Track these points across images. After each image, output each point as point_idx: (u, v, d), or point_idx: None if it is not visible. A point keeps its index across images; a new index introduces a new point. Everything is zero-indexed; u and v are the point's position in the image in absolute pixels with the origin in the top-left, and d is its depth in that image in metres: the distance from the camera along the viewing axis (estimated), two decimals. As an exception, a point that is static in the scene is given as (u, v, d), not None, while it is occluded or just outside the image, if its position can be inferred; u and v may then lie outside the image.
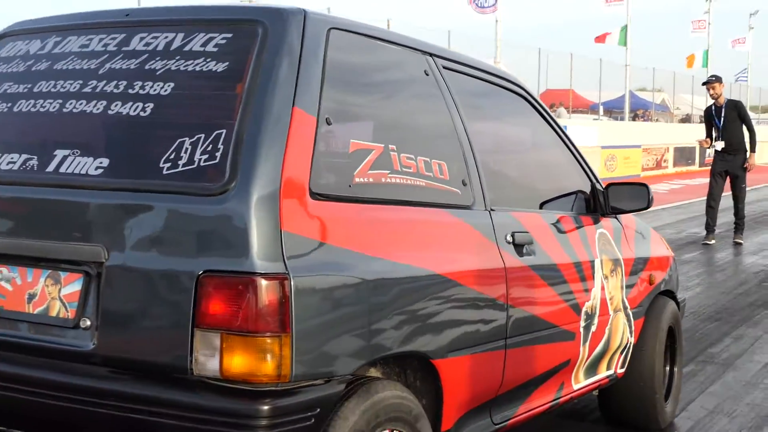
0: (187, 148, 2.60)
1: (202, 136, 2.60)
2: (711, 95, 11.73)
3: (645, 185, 4.20)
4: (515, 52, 34.15)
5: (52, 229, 2.71)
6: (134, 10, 3.22)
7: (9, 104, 3.05)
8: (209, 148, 2.57)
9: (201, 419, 2.41)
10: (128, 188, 2.64)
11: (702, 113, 12.67)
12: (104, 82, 2.89)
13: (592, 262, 3.98)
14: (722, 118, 11.49)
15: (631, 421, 4.63)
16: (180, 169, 2.58)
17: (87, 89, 2.91)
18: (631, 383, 4.48)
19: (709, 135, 11.82)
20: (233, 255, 2.44)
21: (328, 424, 2.54)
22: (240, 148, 2.53)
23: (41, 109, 2.95)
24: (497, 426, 3.39)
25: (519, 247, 3.45)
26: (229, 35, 2.82)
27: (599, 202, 4.12)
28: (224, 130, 2.59)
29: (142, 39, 2.95)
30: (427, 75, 3.31)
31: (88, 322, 2.60)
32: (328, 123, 2.76)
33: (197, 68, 2.78)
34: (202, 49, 2.82)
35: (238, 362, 2.41)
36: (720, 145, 11.50)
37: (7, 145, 2.94)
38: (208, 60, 2.78)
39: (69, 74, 2.99)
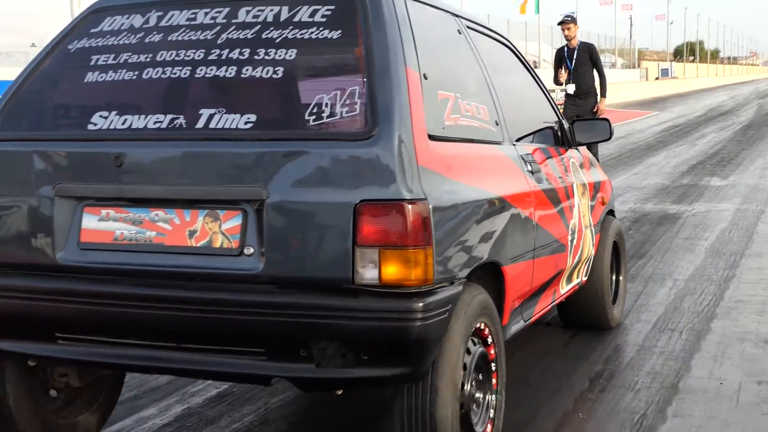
0: (327, 103, 3.14)
1: (338, 92, 3.15)
2: (565, 36, 11.48)
3: (606, 119, 5.16)
4: None
5: (206, 176, 3.19)
6: None
7: (136, 72, 3.45)
8: (347, 102, 3.13)
9: (367, 317, 2.99)
10: (280, 138, 3.17)
11: (552, 55, 12.36)
12: (227, 50, 3.36)
13: (573, 185, 4.84)
14: (573, 61, 11.30)
15: (588, 323, 5.64)
16: (325, 120, 3.13)
17: (212, 56, 3.37)
18: (587, 290, 5.44)
19: (556, 79, 11.61)
20: (384, 186, 3.01)
21: (450, 317, 3.17)
22: (375, 101, 3.09)
23: (172, 76, 3.39)
24: (524, 324, 4.21)
25: (533, 174, 4.24)
26: (332, 7, 3.34)
27: (566, 135, 4.97)
28: (357, 87, 3.14)
29: (248, 12, 3.44)
30: (459, 33, 4.05)
31: (252, 250, 3.11)
32: (425, 78, 3.35)
33: (313, 36, 3.30)
34: (311, 19, 3.34)
35: (393, 271, 3.00)
36: (571, 88, 11.34)
37: (148, 107, 3.38)
38: (321, 29, 3.31)
39: (188, 44, 3.43)
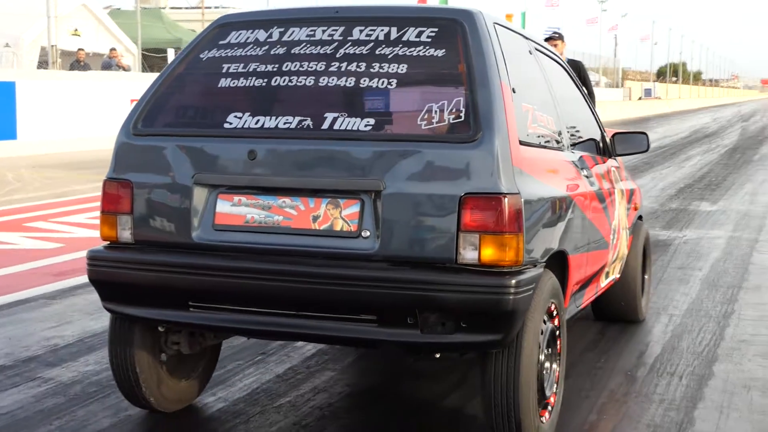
0: (436, 111, 3.72)
1: (446, 102, 3.72)
2: None
3: (645, 133, 5.65)
4: None
5: (329, 169, 3.75)
6: (342, 8, 4.20)
7: (265, 79, 4.01)
8: (453, 110, 3.70)
9: (467, 291, 3.54)
10: (396, 139, 3.76)
11: None
12: (345, 63, 3.93)
13: (615, 190, 5.47)
14: None
15: (619, 316, 6.24)
16: (435, 125, 3.71)
17: (332, 68, 3.93)
18: (621, 285, 6.04)
19: None
20: (485, 182, 3.59)
21: (533, 294, 3.73)
22: (477, 110, 3.67)
23: (298, 84, 3.95)
24: (576, 310, 4.88)
25: (587, 178, 4.86)
26: (436, 29, 3.93)
27: (607, 146, 5.52)
28: (461, 98, 3.71)
29: (361, 31, 4.01)
30: (530, 54, 4.69)
31: (368, 233, 3.68)
32: (514, 91, 3.94)
33: (421, 53, 3.89)
34: (417, 39, 3.92)
35: (491, 253, 3.58)
36: None
37: (278, 110, 3.93)
38: (427, 47, 3.89)
39: (310, 57, 4.00)
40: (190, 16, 35.38)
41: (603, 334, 6.03)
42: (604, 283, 5.44)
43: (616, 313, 6.22)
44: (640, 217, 6.46)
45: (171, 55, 30.62)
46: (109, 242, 4.10)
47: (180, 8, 39.01)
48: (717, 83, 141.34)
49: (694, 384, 5.03)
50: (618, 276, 5.87)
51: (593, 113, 5.67)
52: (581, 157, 4.94)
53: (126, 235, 4.03)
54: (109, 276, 4.02)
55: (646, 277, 6.50)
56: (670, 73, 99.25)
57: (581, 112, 5.45)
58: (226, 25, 4.30)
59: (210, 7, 34.59)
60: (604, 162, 5.41)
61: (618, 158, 5.80)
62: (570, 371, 5.19)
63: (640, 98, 71.77)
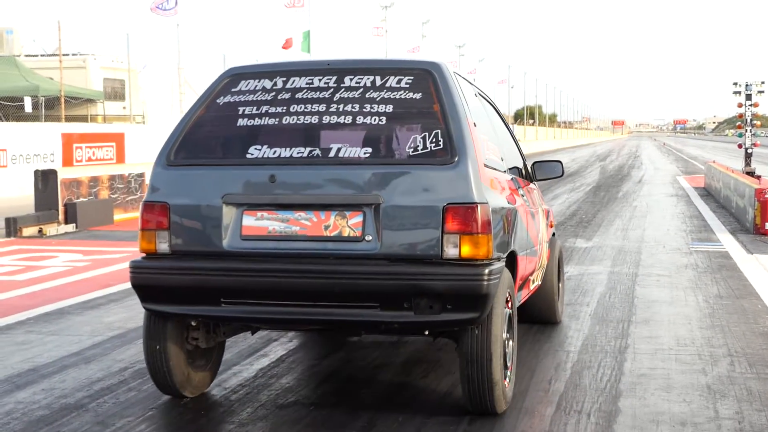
0: (420, 141, 4.77)
1: (426, 134, 4.79)
2: None
3: (559, 161, 6.91)
4: (200, 58, 33.64)
5: (337, 188, 4.76)
6: (332, 61, 5.27)
7: (276, 119, 5.02)
8: (434, 140, 4.76)
9: (452, 279, 4.59)
10: (390, 163, 4.79)
11: None
12: (342, 105, 4.97)
13: (539, 209, 6.69)
14: None
15: (540, 318, 7.27)
16: (420, 152, 4.76)
17: (332, 109, 4.97)
18: (542, 291, 7.04)
19: None
20: (462, 194, 4.65)
21: (499, 282, 4.76)
22: (452, 140, 4.74)
23: (305, 122, 4.98)
24: (517, 304, 5.64)
25: (523, 196, 6.00)
26: (412, 77, 5.01)
27: (529, 172, 6.72)
28: (439, 130, 4.78)
29: (351, 79, 5.07)
30: (476, 96, 5.79)
31: (370, 237, 4.69)
32: (475, 125, 5.03)
33: (402, 96, 4.95)
34: (398, 85, 4.99)
35: (468, 249, 4.64)
36: None
37: (291, 143, 4.91)
38: (406, 92, 4.96)
39: (312, 100, 5.04)
40: (47, 63, 34.29)
41: (504, 374, 5.91)
42: (531, 287, 6.46)
43: (538, 316, 7.24)
44: (553, 234, 7.62)
45: (28, 103, 29.53)
46: (146, 254, 5.04)
47: (36, 56, 37.77)
48: (571, 125, 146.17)
49: (603, 422, 4.96)
50: (540, 283, 6.86)
51: (516, 144, 6.81)
52: (515, 178, 6.07)
53: (164, 247, 4.98)
54: (151, 281, 4.96)
55: (560, 284, 7.52)
56: (527, 115, 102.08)
57: (509, 143, 6.49)
58: (235, 76, 5.29)
59: (68, 54, 33.61)
60: (527, 185, 6.53)
61: (535, 183, 6.96)
62: (478, 415, 5.06)
63: (500, 140, 73.29)
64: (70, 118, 28.59)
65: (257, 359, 6.37)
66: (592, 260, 11.04)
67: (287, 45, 35.21)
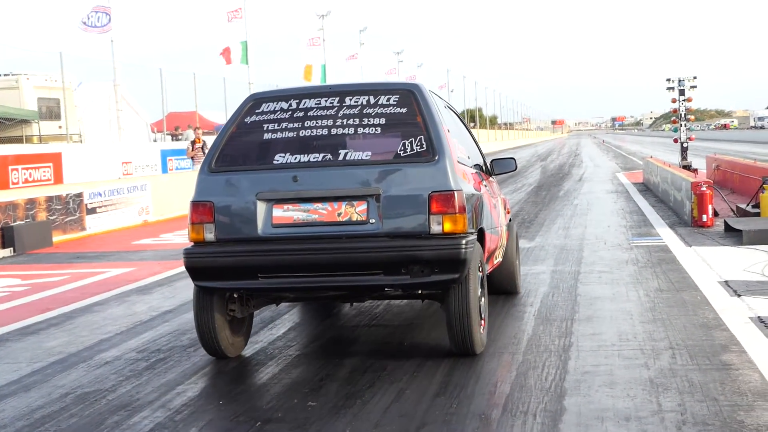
0: (407, 144, 6.20)
1: (413, 139, 6.22)
2: None
3: (513, 158, 8.30)
4: (136, 74, 33.23)
5: (346, 184, 6.15)
6: (334, 86, 6.80)
7: (294, 132, 6.42)
8: (418, 144, 6.19)
9: (438, 249, 5.99)
10: (387, 162, 6.21)
11: None
12: (345, 119, 6.42)
13: (498, 197, 8.19)
14: None
15: (505, 289, 8.66)
16: (408, 153, 6.18)
17: (338, 123, 6.41)
18: (504, 266, 8.45)
19: None
20: (443, 184, 6.08)
21: (474, 250, 6.21)
22: (433, 143, 6.17)
23: (317, 133, 6.39)
24: (485, 274, 6.93)
25: (485, 186, 7.40)
26: (398, 96, 6.46)
27: (488, 167, 8.07)
28: (422, 136, 6.21)
29: (351, 99, 6.50)
30: (445, 107, 7.27)
31: (374, 220, 6.11)
32: (449, 131, 6.50)
33: (391, 111, 6.40)
34: (387, 102, 6.43)
35: (449, 226, 6.04)
36: None
37: (307, 150, 6.33)
38: (394, 107, 6.41)
39: (322, 117, 6.45)
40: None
41: (449, 378, 5.92)
42: (495, 262, 7.83)
43: (501, 287, 8.59)
44: (510, 219, 8.94)
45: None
46: (195, 242, 6.37)
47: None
48: (512, 126, 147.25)
49: (549, 421, 4.99)
50: (501, 260, 8.23)
51: (477, 145, 8.17)
52: (479, 172, 7.45)
53: (210, 236, 6.31)
54: (202, 263, 6.28)
55: (517, 261, 8.86)
56: (468, 118, 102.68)
57: (472, 145, 7.88)
58: (257, 100, 6.69)
59: None
60: (488, 178, 7.90)
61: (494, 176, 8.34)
62: (425, 418, 5.06)
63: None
64: (4, 140, 28.10)
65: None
66: (535, 260, 11.11)
67: (225, 54, 35.03)
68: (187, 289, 10.32)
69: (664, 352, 6.33)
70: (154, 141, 33.32)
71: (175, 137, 34.90)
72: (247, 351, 7.00)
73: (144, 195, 19.72)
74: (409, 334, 7.33)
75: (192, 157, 24.10)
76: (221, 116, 37.08)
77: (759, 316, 7.24)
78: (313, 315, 8.35)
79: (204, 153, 25.69)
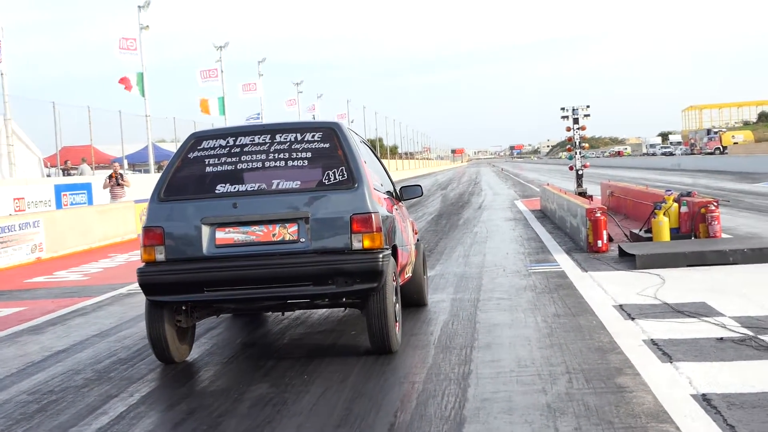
0: (331, 174, 7.34)
1: (336, 169, 7.35)
2: None
3: (419, 185, 9.59)
4: (28, 107, 32.39)
5: (279, 209, 7.19)
6: (266, 125, 7.96)
7: (232, 165, 7.48)
8: (341, 174, 7.33)
9: (359, 261, 7.08)
10: (314, 190, 7.27)
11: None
12: (276, 153, 7.51)
13: (407, 220, 9.39)
14: None
15: (415, 301, 9.68)
16: (332, 182, 7.30)
17: (271, 156, 7.50)
18: (413, 281, 9.45)
19: None
20: (362, 207, 7.19)
21: (389, 263, 7.29)
22: (353, 173, 7.33)
23: (252, 166, 7.48)
24: (399, 285, 8.00)
25: (397, 210, 8.66)
26: (321, 133, 7.62)
27: (397, 194, 9.28)
28: (344, 167, 7.36)
29: (281, 136, 7.62)
30: (361, 142, 8.48)
31: (303, 240, 7.15)
32: (366, 162, 7.68)
33: (316, 146, 7.53)
34: (312, 138, 7.58)
35: (368, 243, 7.16)
36: None
37: (245, 180, 7.39)
38: (318, 142, 7.54)
39: (256, 152, 7.56)
40: None
41: (350, 409, 5.89)
42: (406, 276, 8.91)
43: (414, 301, 9.64)
44: (418, 240, 10.13)
45: None
46: (146, 263, 7.26)
47: None
48: (412, 155, 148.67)
49: (448, 450, 4.98)
50: (411, 275, 9.28)
51: (387, 174, 9.30)
52: (390, 198, 8.58)
53: (161, 257, 7.24)
54: (154, 279, 7.21)
55: (425, 277, 9.94)
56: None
57: (384, 174, 9.00)
58: (198, 138, 7.75)
59: None
60: (398, 203, 9.08)
61: (403, 201, 9.50)
62: (325, 454, 5.01)
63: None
64: None
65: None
66: (434, 289, 11.17)
67: (125, 81, 34.55)
68: (80, 328, 10.06)
69: (561, 376, 6.41)
70: (48, 176, 32.47)
71: (66, 172, 33.99)
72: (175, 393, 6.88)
73: (37, 232, 19.19)
74: (310, 368, 7.27)
75: (110, 188, 26.16)
76: (117, 150, 36.42)
77: (652, 339, 7.40)
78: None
79: (120, 185, 25.71)
